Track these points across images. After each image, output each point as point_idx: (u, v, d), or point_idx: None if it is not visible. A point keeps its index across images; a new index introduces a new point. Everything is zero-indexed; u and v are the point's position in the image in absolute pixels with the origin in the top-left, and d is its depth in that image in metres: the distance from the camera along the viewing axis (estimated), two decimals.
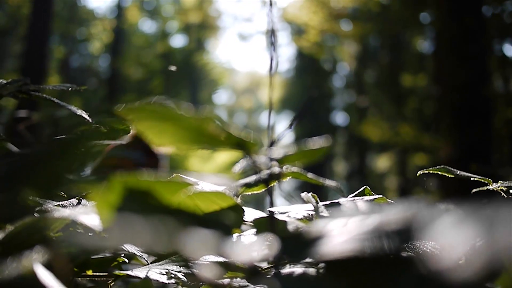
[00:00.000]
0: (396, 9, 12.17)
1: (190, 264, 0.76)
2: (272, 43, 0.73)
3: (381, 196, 0.83)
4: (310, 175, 0.78)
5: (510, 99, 10.89)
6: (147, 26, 25.09)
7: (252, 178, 0.73)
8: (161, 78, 19.27)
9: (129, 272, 0.75)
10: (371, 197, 0.82)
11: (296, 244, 0.49)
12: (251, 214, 0.77)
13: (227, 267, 0.75)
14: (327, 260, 0.46)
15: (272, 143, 0.66)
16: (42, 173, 0.62)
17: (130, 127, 0.92)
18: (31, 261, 0.57)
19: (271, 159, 0.66)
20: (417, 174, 1.03)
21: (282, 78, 21.61)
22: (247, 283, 0.73)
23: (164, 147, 0.64)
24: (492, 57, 10.25)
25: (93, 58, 20.95)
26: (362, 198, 0.82)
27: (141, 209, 0.53)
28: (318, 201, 0.75)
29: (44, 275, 0.56)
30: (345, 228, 0.47)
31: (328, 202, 0.77)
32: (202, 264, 0.75)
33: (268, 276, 0.67)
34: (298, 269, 0.56)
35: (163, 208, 0.57)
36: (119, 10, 19.21)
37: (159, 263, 0.80)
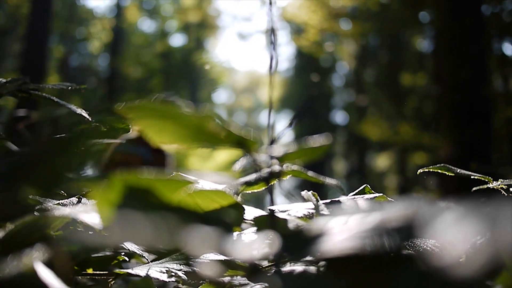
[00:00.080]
0: (396, 8, 12.16)
1: (191, 262, 0.76)
2: (272, 42, 0.73)
3: (381, 194, 0.83)
4: (310, 173, 0.78)
5: (510, 98, 10.89)
6: (147, 25, 25.09)
7: (252, 177, 0.73)
8: (161, 77, 19.27)
9: (129, 271, 0.75)
10: (371, 196, 0.82)
11: (296, 241, 0.49)
12: (251, 212, 0.77)
13: (228, 265, 0.75)
14: (327, 258, 0.46)
15: (272, 141, 0.66)
16: (42, 171, 0.62)
17: (130, 126, 0.92)
18: (31, 260, 0.57)
19: (271, 157, 0.66)
20: (417, 173, 1.03)
21: (281, 77, 21.61)
22: (248, 281, 0.73)
23: (165, 145, 0.64)
24: (492, 56, 10.25)
25: (93, 58, 20.94)
26: (363, 197, 0.82)
27: (141, 207, 0.53)
28: (319, 199, 0.75)
29: (44, 273, 0.56)
30: (346, 226, 0.47)
31: (328, 201, 0.77)
32: (202, 263, 0.75)
33: (268, 274, 0.67)
34: (298, 267, 0.56)
35: (164, 206, 0.57)
36: (119, 10, 19.19)
37: (160, 261, 0.80)
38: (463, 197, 0.52)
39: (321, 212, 0.69)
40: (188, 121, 0.59)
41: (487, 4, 9.75)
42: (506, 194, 0.95)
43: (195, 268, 0.75)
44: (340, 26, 13.71)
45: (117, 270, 0.82)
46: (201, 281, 0.78)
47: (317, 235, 0.47)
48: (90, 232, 0.71)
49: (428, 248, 0.65)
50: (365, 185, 0.92)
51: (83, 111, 0.97)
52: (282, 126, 0.71)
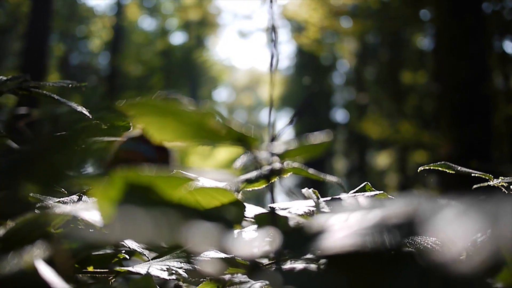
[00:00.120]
0: (396, 6, 12.15)
1: (191, 260, 0.76)
2: (273, 40, 0.73)
3: (382, 192, 0.83)
4: (311, 170, 0.78)
5: (510, 96, 10.89)
6: (147, 23, 25.10)
7: (253, 174, 0.73)
8: (161, 75, 19.26)
9: (130, 269, 0.75)
10: (372, 193, 0.82)
11: (297, 238, 0.49)
12: (252, 210, 0.77)
13: (228, 263, 0.75)
14: (328, 255, 0.46)
15: (273, 139, 0.66)
16: (42, 168, 0.62)
17: (131, 123, 0.92)
18: (32, 257, 0.57)
19: (272, 155, 0.66)
20: (418, 171, 1.03)
21: (282, 75, 21.59)
22: (248, 279, 0.73)
23: (166, 142, 0.64)
24: (492, 54, 10.24)
25: (93, 56, 20.94)
26: (363, 194, 0.82)
27: (142, 204, 0.53)
28: (319, 196, 0.75)
29: (45, 271, 0.56)
30: (347, 223, 0.47)
31: (329, 198, 0.78)
32: (203, 260, 0.75)
33: (269, 272, 0.67)
34: (299, 265, 0.56)
35: (164, 203, 0.57)
36: (119, 8, 19.18)
37: (160, 259, 0.80)
38: (464, 194, 0.52)
39: (322, 209, 0.69)
40: (189, 118, 0.59)
41: (488, 2, 9.74)
42: (506, 192, 0.95)
43: (195, 266, 0.75)
44: (340, 24, 13.70)
45: (117, 268, 0.82)
46: (202, 279, 0.78)
47: (318, 232, 0.47)
48: (91, 230, 0.71)
49: (429, 245, 0.65)
50: (365, 182, 0.92)
51: (84, 109, 0.97)
52: (283, 124, 0.71)
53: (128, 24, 20.20)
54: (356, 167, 19.19)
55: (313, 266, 0.54)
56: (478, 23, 6.96)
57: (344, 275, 0.45)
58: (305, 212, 0.71)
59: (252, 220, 0.74)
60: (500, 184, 0.95)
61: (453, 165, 0.98)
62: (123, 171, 0.55)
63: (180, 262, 0.76)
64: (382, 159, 18.07)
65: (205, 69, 21.20)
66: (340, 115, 22.33)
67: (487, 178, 0.97)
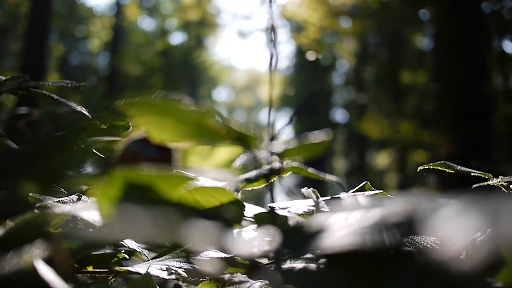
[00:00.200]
0: (396, 6, 12.15)
1: (191, 259, 0.76)
2: (272, 40, 0.73)
3: (381, 191, 0.83)
4: (310, 170, 0.78)
5: (510, 96, 10.89)
6: (146, 23, 25.08)
7: (252, 173, 0.73)
8: (161, 75, 19.26)
9: (129, 268, 0.75)
10: (372, 192, 0.82)
11: (297, 238, 0.49)
12: (251, 209, 0.77)
13: (228, 262, 0.75)
14: (328, 254, 0.46)
15: (272, 138, 0.66)
16: (41, 167, 0.62)
17: (130, 123, 0.92)
18: (31, 257, 0.57)
19: (272, 154, 0.66)
20: (418, 170, 1.03)
21: (281, 75, 21.59)
22: (247, 279, 0.73)
23: (165, 142, 0.64)
24: (492, 54, 10.24)
25: (93, 56, 20.93)
26: (363, 193, 0.81)
27: (141, 203, 0.53)
28: (319, 196, 0.75)
29: (44, 271, 0.56)
30: (346, 222, 0.47)
31: (328, 198, 0.77)
32: (202, 260, 0.75)
33: (268, 271, 0.67)
34: (298, 265, 0.56)
35: (164, 203, 0.57)
36: (118, 8, 19.18)
37: (160, 259, 0.80)
38: (463, 193, 0.52)
39: (321, 209, 0.69)
40: (188, 118, 0.59)
41: (487, 2, 9.74)
42: (506, 191, 0.94)
43: (195, 266, 0.75)
44: (340, 24, 13.70)
45: (117, 268, 0.82)
46: (202, 279, 0.78)
47: (317, 231, 0.47)
48: (90, 230, 0.71)
49: (428, 245, 0.65)
50: (365, 182, 0.92)
51: (83, 108, 0.96)
52: (282, 124, 0.70)
53: (128, 24, 20.19)
54: (355, 167, 19.20)
55: (312, 266, 0.54)
56: (478, 22, 6.96)
57: (344, 274, 0.45)
58: (304, 211, 0.71)
59: (252, 219, 0.74)
60: (499, 184, 0.95)
61: (453, 164, 0.98)
62: (122, 170, 0.55)
63: (180, 262, 0.76)
64: (382, 159, 18.08)
65: (204, 69, 21.20)
66: (339, 115, 22.35)
67: (486, 177, 0.97)
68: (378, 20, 13.10)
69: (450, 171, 0.98)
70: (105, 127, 0.92)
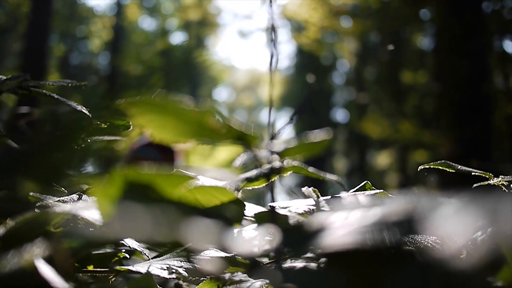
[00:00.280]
0: (396, 6, 12.15)
1: (192, 259, 0.76)
2: (273, 40, 0.73)
3: (382, 190, 0.83)
4: (311, 169, 0.78)
5: (511, 95, 10.89)
6: (147, 23, 25.10)
7: (253, 173, 0.73)
8: (161, 75, 19.26)
9: (130, 268, 0.75)
10: (372, 192, 0.82)
11: (297, 236, 0.49)
12: (252, 209, 0.77)
13: (229, 262, 0.75)
14: (328, 252, 0.46)
15: (272, 137, 0.66)
16: (42, 167, 0.62)
17: (131, 122, 0.92)
18: (32, 256, 0.57)
19: (272, 153, 0.66)
20: (418, 169, 1.03)
21: (282, 75, 21.59)
22: (248, 278, 0.73)
23: (166, 141, 0.64)
24: (493, 53, 10.24)
25: (93, 56, 20.93)
26: (363, 193, 0.81)
27: (142, 202, 0.53)
28: (319, 195, 0.75)
29: (45, 270, 0.56)
30: (347, 221, 0.47)
31: (329, 197, 0.77)
32: (203, 259, 0.75)
33: (269, 271, 0.67)
34: (299, 264, 0.56)
35: (164, 202, 0.57)
36: (119, 8, 19.18)
37: (160, 258, 0.80)
38: (463, 192, 0.52)
39: (322, 208, 0.69)
40: (189, 117, 0.59)
41: (488, 2, 9.74)
42: (506, 191, 0.94)
43: (196, 265, 0.75)
44: (340, 24, 13.70)
45: (117, 267, 0.82)
46: (202, 278, 0.78)
47: (318, 230, 0.47)
48: (91, 229, 0.71)
49: (429, 243, 0.65)
50: (365, 181, 0.92)
51: (84, 108, 0.97)
52: (283, 124, 0.70)
53: (128, 24, 20.19)
54: (356, 167, 19.20)
55: (313, 265, 0.54)
56: (479, 22, 6.96)
57: (344, 273, 0.45)
58: (305, 210, 0.71)
59: (252, 218, 0.74)
60: (500, 183, 0.95)
61: (454, 164, 0.98)
62: (123, 170, 0.55)
63: (180, 261, 0.76)
64: (383, 159, 18.08)
65: (205, 69, 21.21)
66: (340, 115, 22.33)
67: (487, 177, 0.96)
68: (378, 20, 13.10)
69: (450, 171, 0.98)
70: (106, 126, 0.92)
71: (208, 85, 22.81)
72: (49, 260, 0.59)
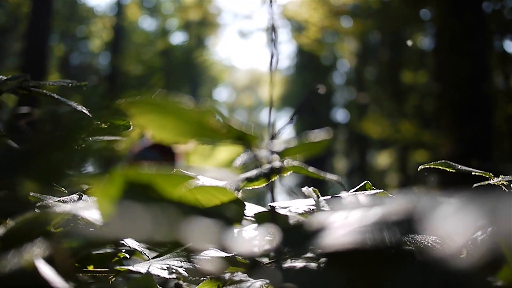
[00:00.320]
0: (396, 5, 12.15)
1: (192, 259, 0.76)
2: (273, 40, 0.73)
3: (382, 190, 0.83)
4: (311, 169, 0.78)
5: (511, 95, 10.89)
6: (147, 23, 25.10)
7: (253, 172, 0.73)
8: (161, 75, 19.25)
9: (130, 268, 0.75)
10: (372, 192, 0.82)
11: (297, 236, 0.49)
12: (252, 209, 0.77)
13: (229, 262, 0.75)
14: (328, 252, 0.46)
15: (273, 137, 0.66)
16: (42, 167, 0.62)
17: (131, 122, 0.92)
18: (32, 256, 0.57)
19: (272, 153, 0.66)
20: (418, 169, 1.03)
21: (282, 75, 21.59)
22: (248, 278, 0.73)
23: (166, 141, 0.64)
24: (493, 53, 10.24)
25: (93, 56, 20.93)
26: (363, 193, 0.81)
27: (142, 202, 0.53)
28: (319, 195, 0.75)
29: (45, 270, 0.56)
30: (347, 221, 0.47)
31: (329, 197, 0.77)
32: (203, 259, 0.75)
33: (269, 270, 0.67)
34: (299, 263, 0.56)
35: (164, 201, 0.57)
36: (119, 8, 19.18)
37: (160, 258, 0.80)
38: (463, 192, 0.52)
39: (322, 208, 0.69)
40: (189, 117, 0.59)
41: (488, 1, 9.74)
42: (506, 191, 0.94)
43: (196, 265, 0.75)
44: (341, 24, 13.70)
45: (118, 267, 0.82)
46: (202, 278, 0.78)
47: (318, 230, 0.47)
48: (91, 229, 0.71)
49: (429, 243, 0.65)
50: (365, 181, 0.92)
51: (84, 108, 0.97)
52: (283, 124, 0.70)
53: (129, 24, 20.19)
54: (356, 167, 19.20)
55: (313, 265, 0.54)
56: (479, 21, 6.96)
57: (344, 273, 0.45)
58: (305, 210, 0.71)
59: (252, 218, 0.74)
60: (500, 183, 0.95)
61: (454, 164, 0.98)
62: (123, 169, 0.55)
63: (181, 261, 0.76)
64: (383, 159, 18.08)
65: (205, 69, 21.21)
66: (340, 115, 22.33)
67: (487, 176, 0.96)
68: (379, 20, 13.10)
69: (451, 171, 0.98)
70: (106, 126, 0.92)
71: (208, 85, 22.81)
72: (49, 260, 0.59)
